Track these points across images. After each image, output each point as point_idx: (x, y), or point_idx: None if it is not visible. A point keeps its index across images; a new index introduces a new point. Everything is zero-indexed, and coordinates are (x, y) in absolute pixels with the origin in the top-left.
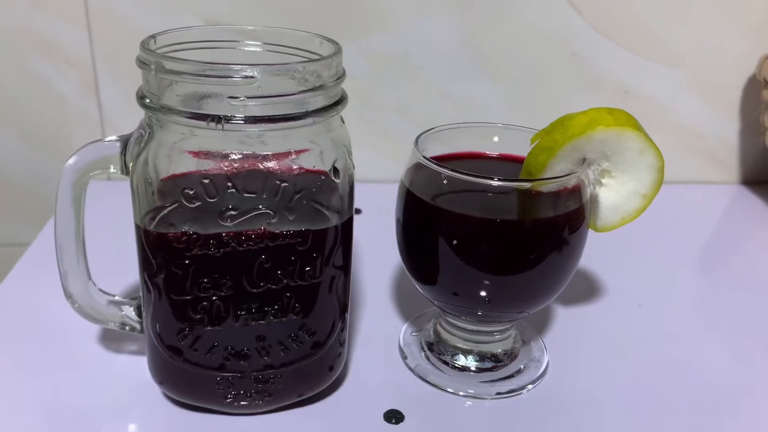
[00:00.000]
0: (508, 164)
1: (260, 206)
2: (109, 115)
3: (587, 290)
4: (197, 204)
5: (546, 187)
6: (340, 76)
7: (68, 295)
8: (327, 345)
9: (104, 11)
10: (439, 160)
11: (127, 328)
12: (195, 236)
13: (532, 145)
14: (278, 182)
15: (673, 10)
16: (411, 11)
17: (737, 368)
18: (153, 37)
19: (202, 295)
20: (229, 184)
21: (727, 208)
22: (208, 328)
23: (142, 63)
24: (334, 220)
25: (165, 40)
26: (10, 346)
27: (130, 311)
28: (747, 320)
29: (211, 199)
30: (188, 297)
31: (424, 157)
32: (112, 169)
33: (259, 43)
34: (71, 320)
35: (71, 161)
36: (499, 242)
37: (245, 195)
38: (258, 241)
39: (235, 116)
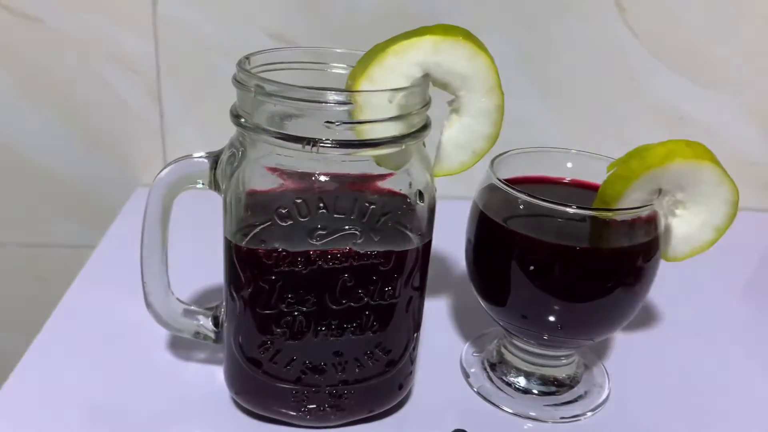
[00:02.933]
0: (581, 191)
1: (348, 227)
2: (170, 123)
3: (645, 317)
4: (289, 223)
5: (621, 217)
6: (427, 103)
7: (149, 305)
8: (401, 363)
9: (171, 22)
10: (512, 182)
11: (201, 337)
12: (284, 253)
13: (609, 173)
14: (367, 204)
15: (730, 37)
16: (469, 29)
17: None
18: (247, 57)
19: (286, 309)
20: (321, 204)
21: None
22: (289, 342)
23: (239, 83)
24: (416, 243)
25: (257, 60)
26: (80, 351)
27: (205, 321)
28: None
29: (302, 218)
30: (272, 311)
31: (500, 180)
32: (200, 185)
33: (345, 65)
34: (140, 326)
35: (162, 175)
36: (573, 269)
37: (335, 216)
38: (343, 260)
39: (328, 139)
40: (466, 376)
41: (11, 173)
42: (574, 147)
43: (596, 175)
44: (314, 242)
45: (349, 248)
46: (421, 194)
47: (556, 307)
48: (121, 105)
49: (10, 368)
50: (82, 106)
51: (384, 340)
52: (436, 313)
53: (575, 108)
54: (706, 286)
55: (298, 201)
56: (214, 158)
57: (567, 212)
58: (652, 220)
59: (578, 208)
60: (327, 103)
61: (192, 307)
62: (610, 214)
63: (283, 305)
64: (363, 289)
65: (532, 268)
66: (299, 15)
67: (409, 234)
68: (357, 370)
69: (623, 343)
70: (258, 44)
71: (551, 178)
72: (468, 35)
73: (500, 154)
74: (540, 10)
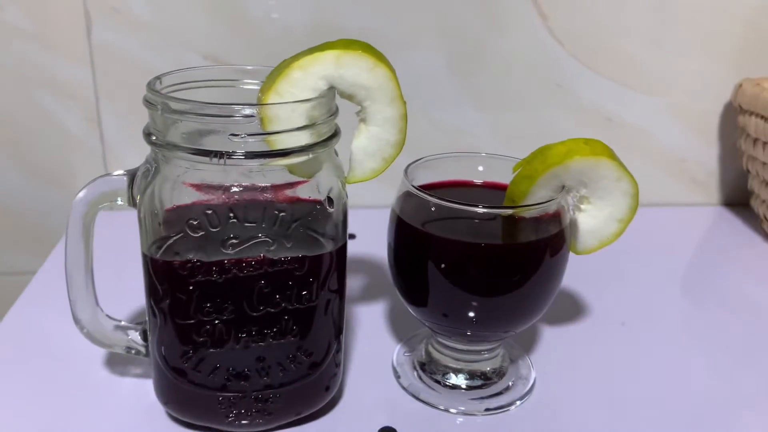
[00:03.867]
0: (493, 191)
1: (260, 234)
2: (112, 147)
3: (573, 310)
4: (201, 233)
5: (528, 213)
6: (334, 113)
7: (77, 321)
8: (323, 365)
9: (107, 49)
10: (428, 188)
11: (132, 351)
12: (198, 263)
13: (515, 174)
14: (276, 212)
15: (651, 40)
16: (402, 43)
17: (717, 385)
18: (159, 78)
19: (205, 319)
20: (231, 214)
21: (708, 229)
22: (211, 350)
23: (148, 103)
24: (329, 247)
25: (170, 80)
26: (18, 371)
27: (135, 335)
28: (726, 339)
29: (213, 228)
30: (192, 321)
31: (413, 186)
32: (119, 202)
33: (257, 81)
34: (77, 345)
35: (81, 194)
36: (485, 265)
37: (246, 224)
38: (258, 268)
39: (236, 152)
40: (397, 376)
41: None
42: (506, 153)
43: (507, 176)
44: (227, 251)
45: (263, 255)
46: (330, 200)
47: (474, 303)
48: (61, 132)
49: None
50: (22, 136)
51: (305, 343)
52: (371, 317)
53: (506, 115)
54: (636, 278)
55: (209, 212)
56: (132, 175)
57: (476, 212)
58: (557, 215)
59: (486, 207)
60: (231, 117)
61: (122, 323)
62: (514, 211)
63: (202, 315)
64: (280, 295)
65: (446, 267)
66: (232, 37)
67: (321, 239)
68: (281, 374)
69: (549, 334)
70: (193, 65)
71: (464, 182)
72: (367, 48)
73: (414, 161)
74: (468, 23)
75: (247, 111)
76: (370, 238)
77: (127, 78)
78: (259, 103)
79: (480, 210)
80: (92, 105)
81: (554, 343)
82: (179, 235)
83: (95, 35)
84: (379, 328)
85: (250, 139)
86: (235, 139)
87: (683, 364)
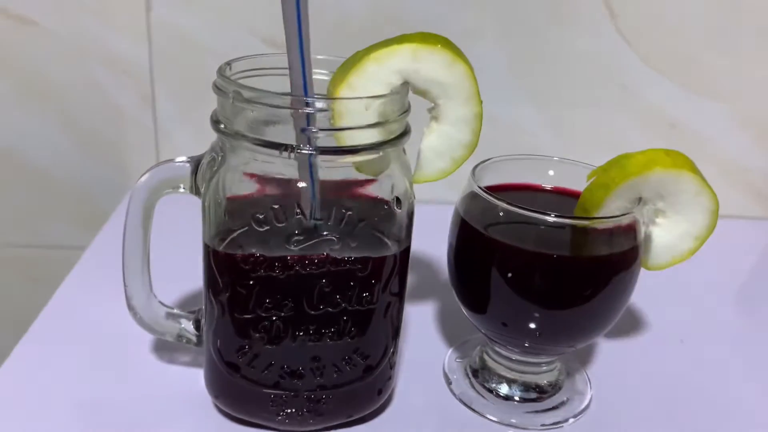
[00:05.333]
0: (563, 198)
1: (325, 232)
2: (163, 126)
3: (630, 324)
4: (266, 228)
5: (601, 225)
6: (406, 110)
7: (131, 308)
8: (379, 368)
9: (165, 27)
10: (494, 190)
11: (183, 340)
12: (261, 258)
13: (589, 182)
14: (344, 210)
15: (722, 45)
16: (462, 35)
17: None
18: (229, 63)
19: (264, 314)
20: (298, 210)
21: None
22: (267, 346)
23: (219, 90)
24: (394, 249)
25: (239, 66)
26: (66, 351)
27: (188, 324)
28: None
29: (279, 224)
30: (250, 316)
31: (480, 188)
32: (181, 189)
33: (326, 71)
34: (125, 328)
35: (143, 180)
36: (553, 277)
37: (312, 222)
38: (320, 266)
39: (305, 146)
40: (449, 382)
41: (6, 175)
42: (566, 153)
43: (578, 183)
44: (291, 248)
45: (327, 254)
46: (399, 201)
47: (536, 315)
48: (116, 109)
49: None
50: (77, 110)
51: (362, 345)
52: (422, 318)
53: (567, 115)
54: (695, 292)
55: (275, 206)
56: (196, 163)
57: (546, 221)
58: (631, 229)
59: (557, 216)
60: (303, 110)
61: (174, 311)
62: (588, 222)
63: (261, 310)
64: (340, 295)
65: (511, 275)
66: None
67: (387, 240)
68: (335, 375)
69: (607, 349)
70: (251, 49)
71: (533, 186)
72: (447, 43)
73: (482, 162)
74: (531, 18)
75: (320, 104)
76: (426, 234)
77: (183, 58)
78: (332, 97)
79: (551, 219)
80: (147, 83)
81: (612, 357)
82: (244, 229)
83: (155, 13)
84: (431, 329)
85: (320, 134)
86: (306, 133)
87: (741, 382)
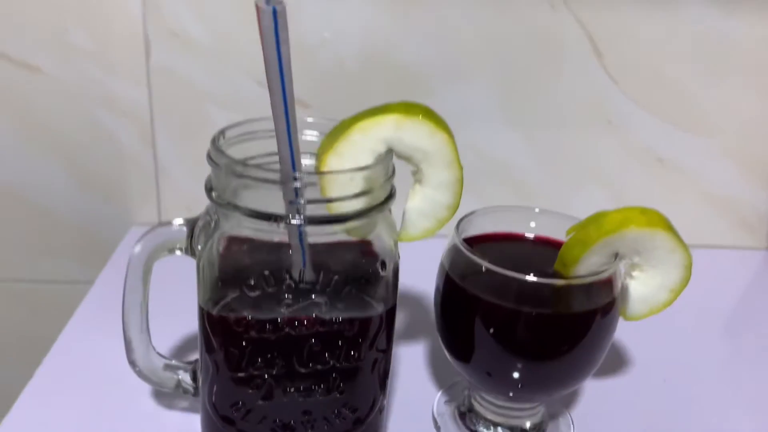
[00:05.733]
0: (545, 248)
1: (313, 296)
2: (164, 165)
3: (614, 364)
4: (258, 293)
5: (578, 282)
6: (390, 176)
7: (131, 361)
8: (367, 420)
9: (164, 71)
10: (479, 240)
11: (181, 390)
12: (253, 321)
13: (568, 237)
14: (331, 275)
15: (707, 82)
16: (454, 75)
17: None
18: (222, 132)
19: (256, 373)
20: (287, 276)
21: (756, 274)
22: (260, 402)
23: (212, 161)
24: (379, 309)
25: (233, 132)
26: (68, 395)
27: (185, 375)
28: None
29: (269, 288)
30: (243, 374)
31: (463, 244)
32: (178, 253)
33: (316, 132)
34: (125, 373)
35: (138, 248)
36: (533, 333)
37: (300, 286)
38: (309, 327)
39: (295, 216)
40: (437, 424)
41: (13, 213)
42: (557, 188)
43: (559, 232)
44: (282, 311)
45: (315, 315)
46: (383, 264)
47: (519, 366)
48: (117, 149)
49: (11, 400)
50: (81, 151)
51: (351, 399)
52: (414, 359)
53: (557, 151)
54: (680, 326)
55: (266, 273)
56: (191, 225)
57: (526, 281)
58: (608, 284)
59: (536, 276)
60: (292, 184)
61: (172, 362)
62: (566, 282)
63: (253, 369)
64: (329, 353)
65: (494, 331)
66: None
67: (372, 302)
68: (326, 428)
69: (590, 390)
70: (247, 91)
71: (517, 235)
72: (428, 113)
73: (466, 215)
74: (521, 58)
75: (308, 179)
76: (417, 270)
77: (181, 100)
78: (318, 171)
79: (530, 279)
80: (147, 124)
81: (595, 398)
82: (236, 294)
83: (154, 58)
84: (420, 371)
85: (309, 205)
86: (294, 204)
87: (726, 420)
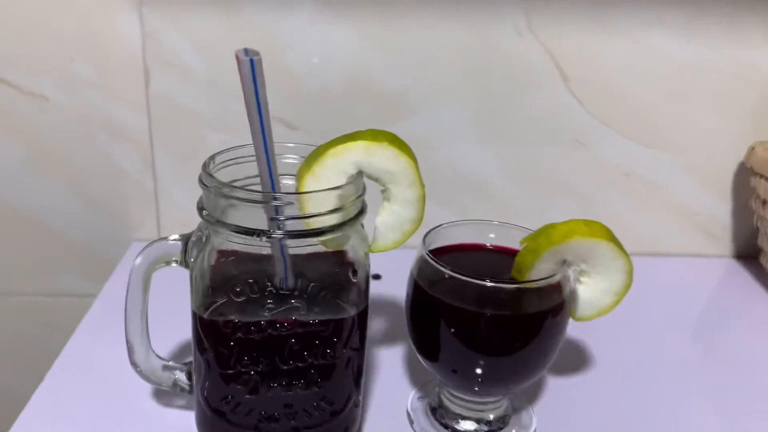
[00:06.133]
0: (503, 257)
1: (292, 301)
2: (163, 186)
3: (578, 361)
4: (243, 299)
5: (531, 287)
6: (361, 194)
7: (133, 363)
8: (343, 412)
9: (162, 98)
10: (444, 251)
11: (178, 389)
12: (239, 324)
13: (522, 246)
14: (308, 282)
15: (669, 102)
16: (432, 99)
17: None
18: (212, 158)
19: (243, 369)
20: (269, 283)
21: (719, 281)
22: (247, 396)
23: (203, 184)
24: (352, 312)
25: (222, 157)
26: (78, 397)
27: (181, 375)
28: (730, 393)
29: (254, 295)
30: (232, 371)
31: (429, 255)
32: (174, 265)
33: (296, 156)
34: (127, 377)
35: (138, 260)
36: (491, 332)
37: (281, 292)
38: (289, 328)
39: (276, 231)
40: (410, 419)
41: (22, 232)
42: (528, 201)
43: (516, 242)
44: (265, 314)
45: (294, 318)
46: (355, 272)
47: (480, 362)
48: (119, 171)
49: (20, 407)
50: (85, 173)
51: (328, 394)
52: (391, 359)
53: (528, 168)
54: (643, 328)
55: (250, 281)
56: (185, 240)
57: (485, 286)
58: (557, 287)
59: (493, 282)
60: (272, 203)
61: (170, 363)
62: (519, 285)
63: (240, 366)
64: (307, 352)
65: (456, 331)
66: (276, 91)
67: (345, 305)
68: (306, 419)
69: (552, 386)
70: (240, 114)
71: (477, 245)
72: (393, 139)
73: (432, 228)
74: (493, 82)
75: (286, 199)
76: (396, 280)
77: (179, 125)
78: (296, 192)
79: (488, 284)
80: (147, 148)
81: (557, 394)
82: (224, 300)
83: (152, 86)
84: (397, 371)
85: (288, 221)
86: (275, 221)
87: (682, 417)
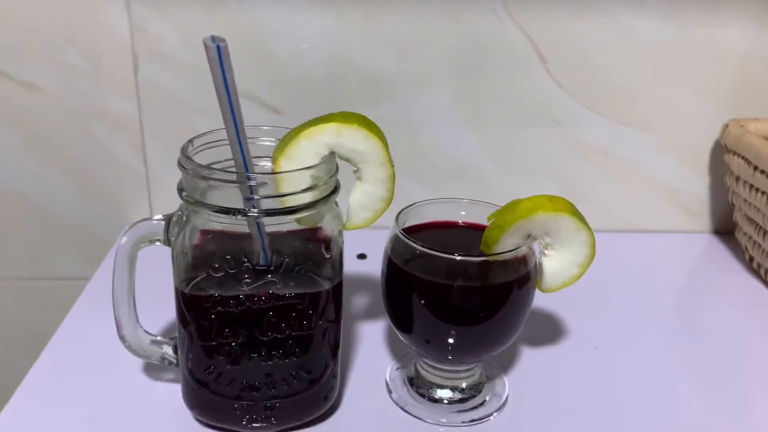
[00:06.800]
0: (473, 232)
1: (269, 276)
2: (154, 170)
3: (552, 332)
4: (221, 274)
5: (496, 259)
6: (333, 173)
7: (121, 337)
8: (321, 381)
9: (151, 85)
10: (417, 228)
11: (165, 362)
12: (219, 297)
13: (489, 222)
14: (283, 257)
15: (645, 81)
16: (414, 82)
17: (680, 412)
18: (191, 141)
19: (224, 341)
20: (245, 259)
21: (697, 256)
22: (228, 366)
23: (181, 166)
24: (326, 285)
25: (201, 141)
26: (72, 373)
27: (168, 349)
28: (704, 364)
29: (231, 270)
30: (213, 343)
31: (402, 232)
32: (158, 243)
33: (272, 138)
34: (119, 353)
35: (125, 239)
36: (460, 302)
37: (257, 267)
38: (267, 302)
39: (251, 210)
40: (389, 390)
41: (18, 217)
42: (508, 180)
43: (485, 219)
44: (242, 288)
45: (271, 292)
46: (328, 247)
47: (451, 332)
48: (111, 157)
49: (16, 388)
50: (79, 160)
51: (305, 363)
52: (372, 333)
53: (508, 147)
54: (619, 302)
55: (227, 257)
56: (168, 220)
57: (455, 259)
58: (522, 260)
59: (461, 255)
60: (246, 183)
61: (158, 338)
62: (485, 258)
63: (221, 338)
64: (285, 324)
65: (427, 303)
66: (262, 76)
67: (320, 279)
68: (285, 388)
69: (526, 356)
70: None
71: (449, 222)
72: (362, 122)
73: (405, 208)
74: (474, 65)
75: (261, 178)
76: (380, 258)
77: (169, 111)
78: (273, 172)
79: (457, 258)
80: (138, 134)
81: (529, 363)
82: (203, 275)
83: (141, 74)
84: (378, 344)
85: (263, 201)
86: (250, 201)
87: (654, 386)
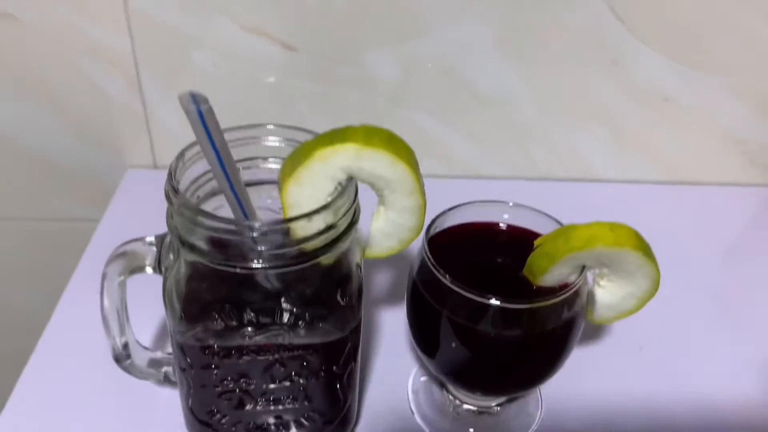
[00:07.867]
0: (517, 241)
1: (273, 327)
2: (153, 109)
3: (589, 331)
4: (220, 327)
5: (544, 303)
6: (353, 202)
7: (117, 361)
8: (336, 421)
9: (144, 16)
10: (450, 234)
11: (167, 383)
12: (218, 348)
13: (536, 248)
14: (290, 310)
15: (716, 19)
16: (449, 13)
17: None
18: (181, 155)
19: (226, 389)
20: (248, 309)
21: (764, 209)
22: (234, 410)
23: (168, 200)
24: (342, 333)
25: (191, 152)
26: (69, 380)
27: (168, 369)
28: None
29: (232, 322)
30: (215, 388)
31: (430, 260)
32: (149, 272)
33: (279, 138)
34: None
35: (109, 271)
36: (498, 352)
37: (261, 319)
38: (273, 352)
39: (254, 262)
40: (410, 400)
41: (10, 159)
42: (555, 130)
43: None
44: (244, 341)
45: (278, 343)
46: (343, 294)
47: (485, 376)
48: (105, 95)
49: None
50: (69, 98)
51: (319, 406)
52: (396, 333)
53: (557, 91)
54: (685, 260)
55: (227, 307)
56: (160, 243)
57: (493, 305)
58: (574, 296)
59: (500, 300)
60: (249, 234)
61: (158, 355)
62: (531, 305)
63: (222, 387)
64: (295, 372)
65: (458, 347)
66: (272, 7)
67: (333, 329)
68: (297, 430)
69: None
70: (229, 33)
71: (489, 224)
72: (388, 142)
73: (436, 218)
74: None
75: (264, 228)
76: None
77: (164, 44)
78: (285, 219)
79: (494, 302)
80: (132, 70)
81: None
82: (199, 327)
83: (131, 3)
84: (403, 347)
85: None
86: (255, 253)
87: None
